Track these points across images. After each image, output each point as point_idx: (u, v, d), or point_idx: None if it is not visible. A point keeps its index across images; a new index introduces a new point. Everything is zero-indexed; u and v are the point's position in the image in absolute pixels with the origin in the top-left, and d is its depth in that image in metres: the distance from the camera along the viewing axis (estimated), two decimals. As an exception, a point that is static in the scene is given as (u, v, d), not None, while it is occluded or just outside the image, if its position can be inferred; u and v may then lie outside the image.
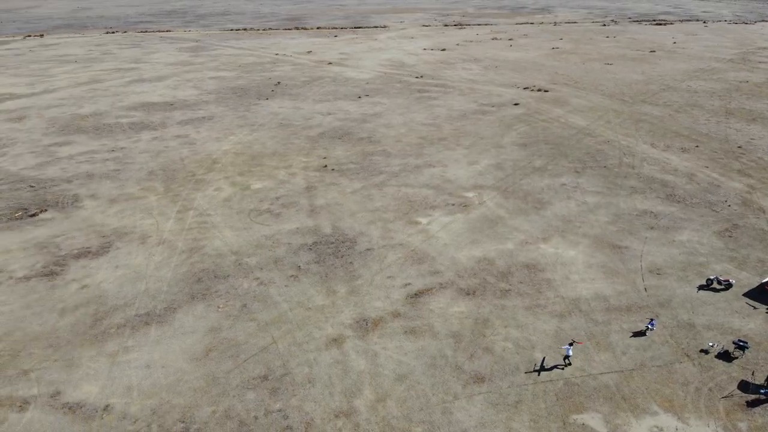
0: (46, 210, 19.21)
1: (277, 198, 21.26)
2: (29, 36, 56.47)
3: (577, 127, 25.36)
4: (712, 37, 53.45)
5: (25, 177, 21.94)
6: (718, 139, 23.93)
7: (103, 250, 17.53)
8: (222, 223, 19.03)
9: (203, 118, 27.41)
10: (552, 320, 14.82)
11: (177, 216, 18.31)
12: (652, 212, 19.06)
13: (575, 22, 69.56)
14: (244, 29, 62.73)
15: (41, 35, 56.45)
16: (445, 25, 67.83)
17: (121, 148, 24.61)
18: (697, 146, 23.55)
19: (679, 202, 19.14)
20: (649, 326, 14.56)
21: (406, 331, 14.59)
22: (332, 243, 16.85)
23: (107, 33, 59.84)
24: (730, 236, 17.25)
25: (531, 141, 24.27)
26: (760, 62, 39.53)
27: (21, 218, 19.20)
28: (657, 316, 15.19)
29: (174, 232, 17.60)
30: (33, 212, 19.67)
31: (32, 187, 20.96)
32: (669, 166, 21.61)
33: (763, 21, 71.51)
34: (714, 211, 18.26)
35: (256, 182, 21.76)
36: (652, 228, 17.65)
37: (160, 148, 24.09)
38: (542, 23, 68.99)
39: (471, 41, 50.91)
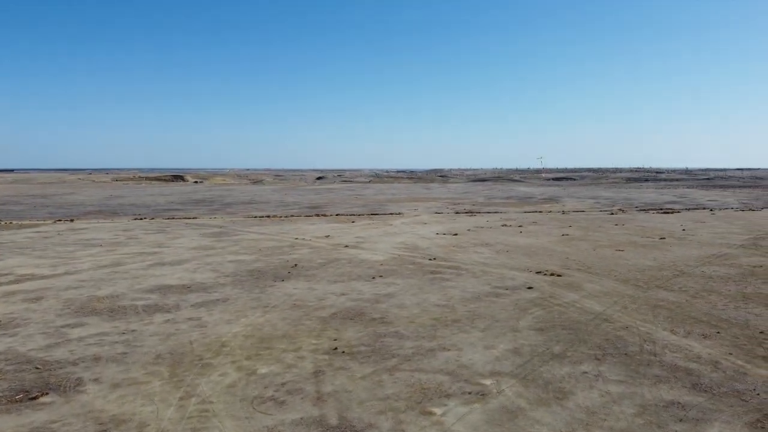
0: (47, 393, 18.46)
1: (283, 384, 20.27)
2: (59, 221, 59.78)
3: (593, 312, 24.88)
4: (721, 224, 54.76)
5: (32, 358, 21.45)
6: (738, 324, 23.17)
7: (97, 439, 16.43)
8: (223, 412, 17.92)
9: (217, 300, 27.54)
10: None
11: (179, 403, 17.40)
12: (679, 403, 17.72)
13: (583, 211, 72.39)
14: (268, 216, 66.09)
15: (71, 220, 59.78)
16: (457, 213, 71.00)
17: (132, 330, 24.41)
18: (718, 332, 22.72)
19: (705, 391, 17.90)
20: None
21: None
22: (339, 436, 15.64)
23: (135, 219, 63.24)
24: (762, 427, 15.79)
25: (548, 325, 23.69)
26: (770, 248, 39.97)
27: (21, 401, 18.44)
28: None
29: (173, 421, 16.54)
30: (34, 395, 18.93)
31: (38, 368, 20.45)
32: (692, 353, 20.65)
33: None
34: (743, 400, 16.96)
35: (262, 366, 20.95)
36: (680, 420, 16.26)
37: (170, 331, 23.84)
38: (550, 212, 71.90)
39: (482, 227, 52.75)
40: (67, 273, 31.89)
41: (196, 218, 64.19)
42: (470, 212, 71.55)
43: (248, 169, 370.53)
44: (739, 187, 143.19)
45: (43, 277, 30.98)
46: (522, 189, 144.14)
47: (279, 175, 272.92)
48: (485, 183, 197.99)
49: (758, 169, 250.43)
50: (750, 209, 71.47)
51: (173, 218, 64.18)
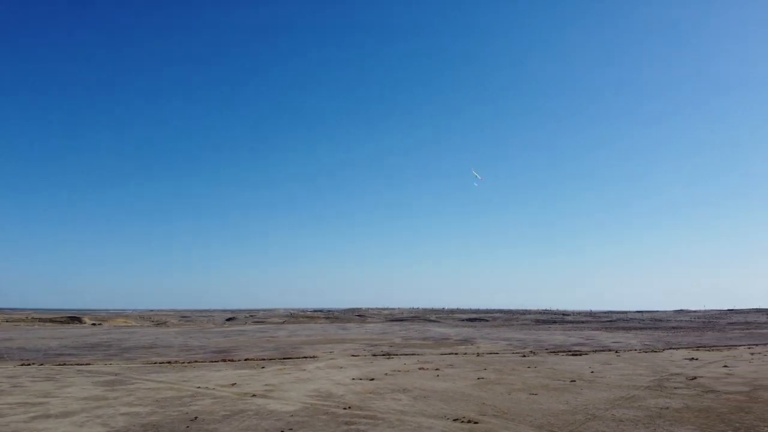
0: None
1: None
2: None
3: (512, 462, 24.01)
4: (627, 365, 56.56)
5: None
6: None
7: None
8: None
9: (101, 461, 24.26)
10: None
11: None
12: None
13: (497, 353, 72.96)
14: (169, 362, 61.48)
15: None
16: (374, 355, 69.38)
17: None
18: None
19: None
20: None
21: None
22: None
23: (23, 365, 56.95)
24: None
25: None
26: (675, 388, 41.29)
27: None
28: None
29: None
30: None
31: None
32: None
33: (670, 349, 77.61)
34: None
35: None
36: None
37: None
38: (466, 354, 71.88)
39: (399, 371, 51.49)
40: None
41: (89, 364, 58.60)
42: (388, 354, 70.21)
43: (152, 310, 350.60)
44: (641, 328, 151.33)
45: None
46: (438, 330, 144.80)
47: (185, 317, 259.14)
48: (402, 323, 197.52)
49: (656, 311, 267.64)
50: (652, 350, 74.98)
51: (65, 364, 58.29)
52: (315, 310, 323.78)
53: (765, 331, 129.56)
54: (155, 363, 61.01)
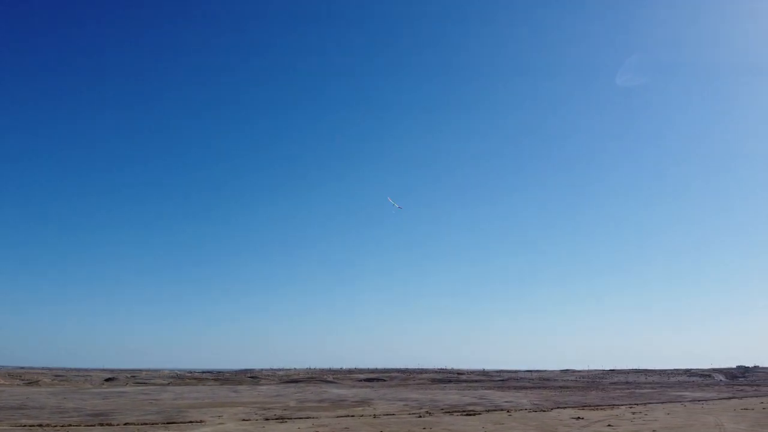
0: None
1: None
2: None
3: None
4: (518, 425, 57.83)
5: None
6: None
7: None
8: None
9: None
10: None
11: None
12: None
13: (393, 414, 72.16)
14: (41, 425, 55.77)
15: None
16: (266, 419, 66.12)
17: None
18: None
19: None
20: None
21: None
22: None
23: None
24: None
25: None
26: (563, 449, 42.48)
27: None
28: None
29: None
30: None
31: None
32: None
33: (558, 408, 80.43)
34: None
35: None
36: None
37: None
38: (362, 416, 70.47)
39: (293, 436, 49.12)
40: None
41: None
42: (281, 418, 67.01)
43: (23, 368, 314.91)
44: (531, 387, 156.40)
45: None
46: (335, 391, 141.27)
47: (60, 375, 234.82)
48: (298, 384, 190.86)
49: (544, 370, 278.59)
50: (542, 410, 77.34)
51: None
52: (204, 372, 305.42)
53: (644, 391, 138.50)
54: (24, 426, 54.59)
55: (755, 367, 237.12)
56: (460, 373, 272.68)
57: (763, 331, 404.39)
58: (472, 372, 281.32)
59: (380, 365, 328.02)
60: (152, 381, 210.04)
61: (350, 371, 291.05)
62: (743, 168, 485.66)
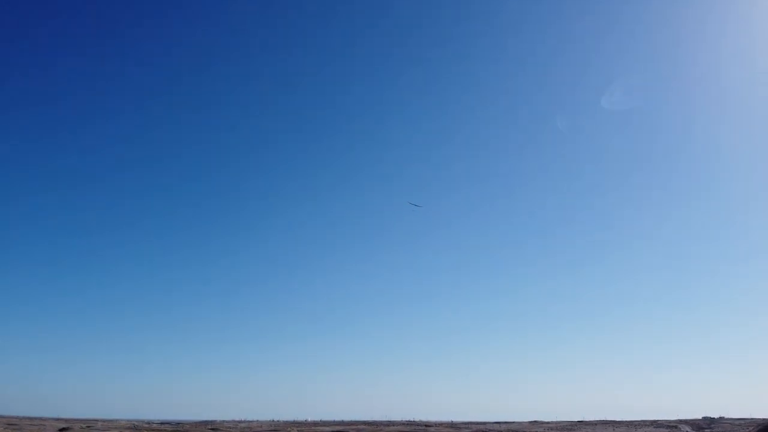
0: None
1: None
2: None
3: None
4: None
5: None
6: None
7: None
8: None
9: None
10: None
11: None
12: None
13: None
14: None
15: None
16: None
17: None
18: None
19: None
20: None
21: None
22: None
23: None
24: None
25: None
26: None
27: None
28: None
29: None
30: None
31: None
32: None
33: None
34: None
35: None
36: None
37: None
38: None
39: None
40: None
41: None
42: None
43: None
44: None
45: None
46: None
47: (13, 424, 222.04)
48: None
49: (512, 422, 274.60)
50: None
51: None
52: (162, 422, 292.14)
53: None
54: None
55: (721, 417, 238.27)
56: (428, 425, 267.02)
57: (729, 382, 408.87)
58: (441, 424, 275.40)
59: (347, 416, 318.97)
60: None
61: (315, 423, 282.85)
62: (708, 222, 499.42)
